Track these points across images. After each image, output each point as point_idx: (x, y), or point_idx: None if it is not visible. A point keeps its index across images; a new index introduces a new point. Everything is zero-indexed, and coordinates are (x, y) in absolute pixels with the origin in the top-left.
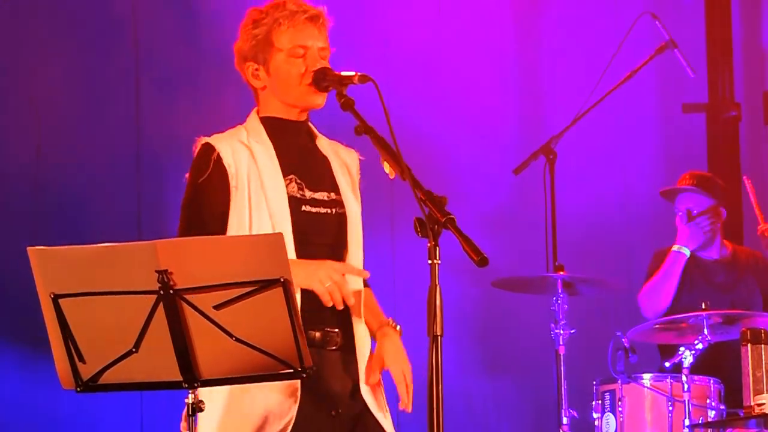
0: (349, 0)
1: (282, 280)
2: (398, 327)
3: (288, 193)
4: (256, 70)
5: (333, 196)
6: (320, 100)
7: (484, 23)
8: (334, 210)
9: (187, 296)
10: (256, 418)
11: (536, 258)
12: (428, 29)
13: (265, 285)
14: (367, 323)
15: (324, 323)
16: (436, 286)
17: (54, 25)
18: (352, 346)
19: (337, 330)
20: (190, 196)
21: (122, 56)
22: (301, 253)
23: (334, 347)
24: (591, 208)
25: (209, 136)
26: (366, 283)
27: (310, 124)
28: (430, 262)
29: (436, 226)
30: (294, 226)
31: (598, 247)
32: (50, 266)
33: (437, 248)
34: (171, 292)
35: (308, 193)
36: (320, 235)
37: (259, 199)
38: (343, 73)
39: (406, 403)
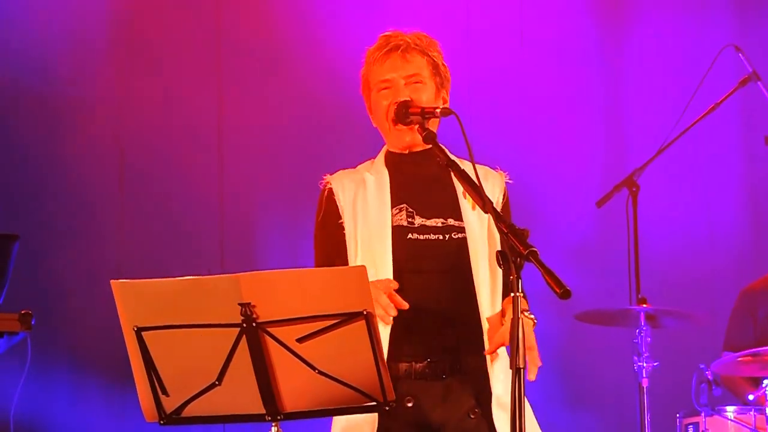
0: (431, 34)
1: (365, 312)
2: (533, 318)
3: (393, 223)
4: (369, 109)
5: (451, 222)
6: (408, 136)
7: (567, 55)
8: (448, 236)
9: (270, 329)
10: None
11: (619, 291)
12: (511, 61)
13: (348, 318)
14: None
15: (430, 353)
16: (519, 318)
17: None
18: (465, 373)
19: (434, 360)
20: (315, 235)
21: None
22: (408, 281)
23: (444, 377)
24: (674, 241)
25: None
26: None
27: (442, 149)
28: (512, 294)
29: (518, 259)
30: (395, 254)
31: (682, 280)
32: (133, 299)
33: (520, 281)
34: (254, 325)
35: (418, 221)
36: (430, 262)
37: (365, 230)
38: (426, 107)
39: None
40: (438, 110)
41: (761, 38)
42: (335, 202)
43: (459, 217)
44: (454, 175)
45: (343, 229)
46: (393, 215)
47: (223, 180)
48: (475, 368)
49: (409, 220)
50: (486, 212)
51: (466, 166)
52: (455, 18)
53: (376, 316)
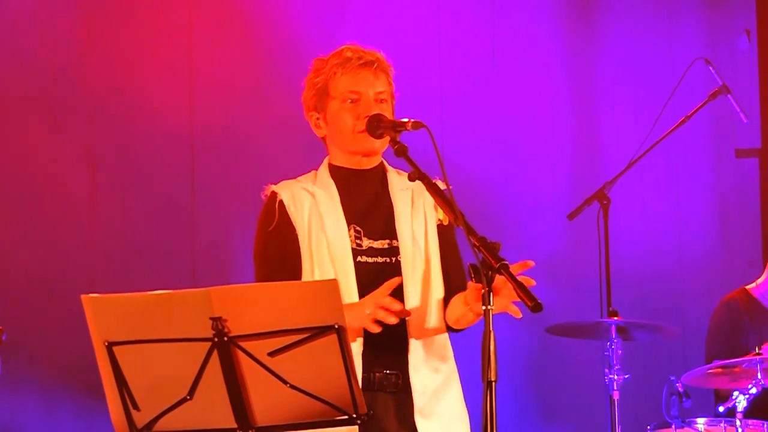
0: (402, 46)
1: (336, 326)
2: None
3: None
4: (318, 119)
5: (395, 243)
6: (378, 144)
7: (538, 68)
8: (394, 258)
9: (241, 343)
10: None
11: (590, 303)
12: (482, 74)
13: (319, 332)
14: (455, 308)
15: (384, 365)
16: (490, 332)
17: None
18: (409, 388)
19: (396, 372)
20: (261, 245)
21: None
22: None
23: (393, 390)
24: (645, 254)
25: (277, 183)
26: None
27: (384, 163)
28: (484, 308)
29: (489, 272)
30: (357, 276)
31: (652, 292)
32: (104, 314)
33: (491, 294)
34: (225, 339)
35: (366, 242)
36: (376, 285)
37: (321, 246)
38: (397, 120)
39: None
40: (409, 123)
41: (731, 51)
42: (287, 213)
43: (396, 237)
44: (426, 189)
45: (298, 241)
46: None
47: (195, 192)
48: (400, 384)
49: (357, 241)
50: (457, 225)
51: (404, 179)
52: (426, 30)
53: (372, 324)
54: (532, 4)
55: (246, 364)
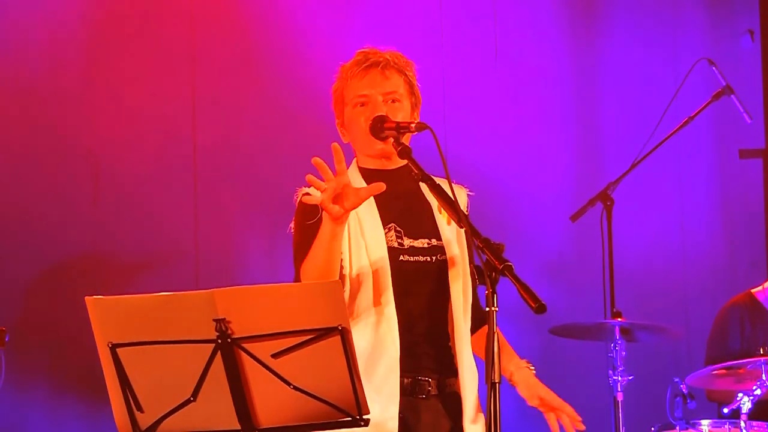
0: (405, 48)
1: (340, 328)
2: (533, 368)
3: (387, 243)
4: (342, 125)
5: (435, 242)
6: (386, 146)
7: (541, 69)
8: (434, 257)
9: (245, 345)
10: None
11: (594, 304)
12: (486, 76)
13: (323, 333)
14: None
15: (418, 371)
16: (494, 333)
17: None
18: (456, 394)
19: (429, 379)
20: (303, 238)
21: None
22: (400, 304)
23: (422, 396)
24: (648, 255)
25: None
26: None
27: (417, 164)
28: (488, 309)
29: (493, 273)
30: (394, 276)
31: (656, 294)
32: (108, 316)
33: (495, 295)
34: (229, 340)
35: (407, 242)
36: (420, 284)
37: (360, 248)
38: (401, 122)
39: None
40: (413, 125)
41: (734, 52)
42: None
43: (439, 236)
44: (430, 190)
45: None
46: (385, 234)
47: (197, 194)
48: (448, 388)
49: (399, 241)
50: (461, 227)
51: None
52: (430, 31)
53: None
54: (535, 6)
55: (249, 366)
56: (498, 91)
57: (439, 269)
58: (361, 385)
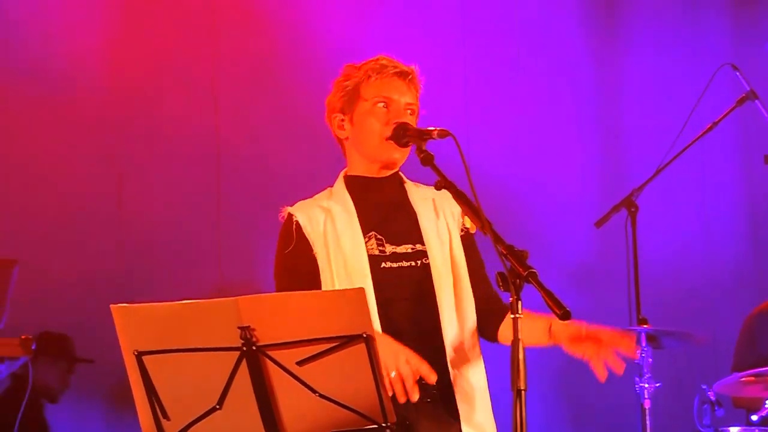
0: (429, 56)
1: (365, 335)
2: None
3: (368, 252)
4: (342, 120)
5: (419, 247)
6: (398, 154)
7: (564, 76)
8: (419, 261)
9: (270, 352)
10: None
11: (619, 311)
12: (508, 83)
13: (347, 340)
14: (535, 331)
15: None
16: (519, 340)
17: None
18: (451, 398)
19: (436, 382)
20: (280, 267)
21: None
22: (384, 311)
23: (428, 399)
24: (674, 261)
25: (293, 204)
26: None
27: (401, 175)
28: (512, 316)
29: (517, 280)
30: (375, 284)
31: (682, 300)
32: (133, 324)
33: (519, 302)
34: (254, 348)
35: (389, 248)
36: (403, 290)
37: (339, 261)
38: (423, 128)
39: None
40: (435, 132)
41: (758, 56)
42: (304, 234)
43: (422, 241)
44: (453, 197)
45: (317, 261)
46: (365, 242)
47: (220, 201)
48: (440, 393)
49: (380, 248)
50: (485, 234)
51: (423, 189)
52: (452, 38)
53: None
54: (557, 11)
55: (275, 373)
56: (520, 97)
57: (423, 273)
58: (386, 391)
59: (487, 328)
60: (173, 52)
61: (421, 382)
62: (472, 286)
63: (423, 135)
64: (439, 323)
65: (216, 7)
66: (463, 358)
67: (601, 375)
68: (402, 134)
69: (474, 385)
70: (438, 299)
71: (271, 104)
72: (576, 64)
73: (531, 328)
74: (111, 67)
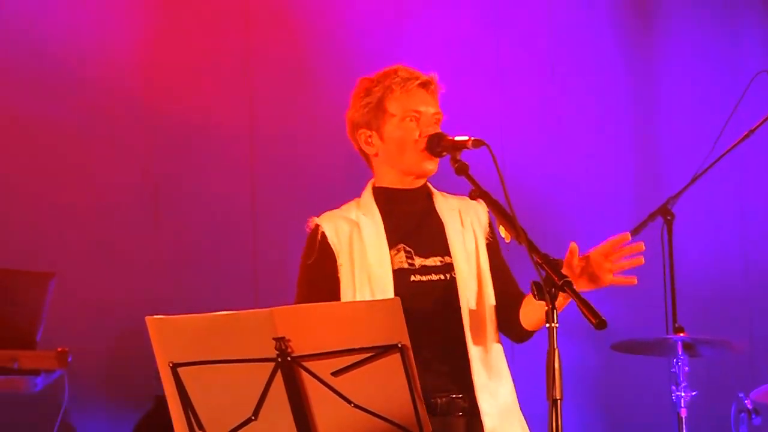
0: (461, 64)
1: (400, 345)
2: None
3: (394, 265)
4: (369, 137)
5: (447, 260)
6: (432, 165)
7: (599, 83)
8: (448, 275)
9: (305, 363)
10: None
11: (656, 320)
12: (542, 92)
13: (382, 351)
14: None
15: (448, 390)
16: (554, 349)
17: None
18: (477, 411)
19: (461, 395)
20: (302, 278)
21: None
22: (411, 324)
23: (460, 413)
24: (710, 269)
25: (319, 215)
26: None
27: (429, 186)
28: (548, 325)
29: (553, 290)
30: (410, 296)
31: (719, 308)
32: (168, 336)
33: (555, 311)
34: (289, 359)
35: (418, 261)
36: (428, 303)
37: (363, 273)
38: (457, 138)
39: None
40: (470, 141)
41: None
42: (329, 245)
43: (449, 253)
44: (488, 207)
45: (338, 275)
46: (392, 257)
47: (255, 211)
48: (467, 406)
49: (409, 260)
50: (520, 243)
51: (449, 200)
52: (485, 48)
53: None
54: (591, 21)
55: (310, 384)
56: (555, 107)
57: (450, 286)
58: (423, 402)
59: (509, 320)
60: (208, 53)
61: (450, 397)
62: (500, 294)
63: (457, 145)
64: (464, 337)
65: (250, 8)
66: (488, 372)
67: (622, 281)
68: (437, 144)
69: (501, 400)
70: (462, 312)
71: (307, 114)
72: (610, 73)
73: (536, 309)
74: (146, 79)
